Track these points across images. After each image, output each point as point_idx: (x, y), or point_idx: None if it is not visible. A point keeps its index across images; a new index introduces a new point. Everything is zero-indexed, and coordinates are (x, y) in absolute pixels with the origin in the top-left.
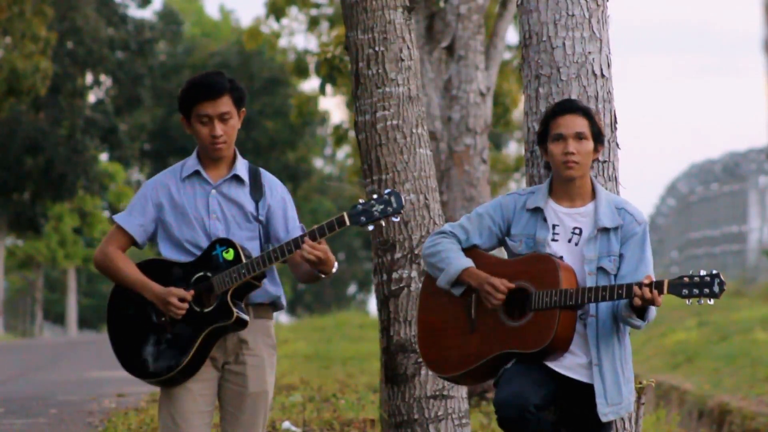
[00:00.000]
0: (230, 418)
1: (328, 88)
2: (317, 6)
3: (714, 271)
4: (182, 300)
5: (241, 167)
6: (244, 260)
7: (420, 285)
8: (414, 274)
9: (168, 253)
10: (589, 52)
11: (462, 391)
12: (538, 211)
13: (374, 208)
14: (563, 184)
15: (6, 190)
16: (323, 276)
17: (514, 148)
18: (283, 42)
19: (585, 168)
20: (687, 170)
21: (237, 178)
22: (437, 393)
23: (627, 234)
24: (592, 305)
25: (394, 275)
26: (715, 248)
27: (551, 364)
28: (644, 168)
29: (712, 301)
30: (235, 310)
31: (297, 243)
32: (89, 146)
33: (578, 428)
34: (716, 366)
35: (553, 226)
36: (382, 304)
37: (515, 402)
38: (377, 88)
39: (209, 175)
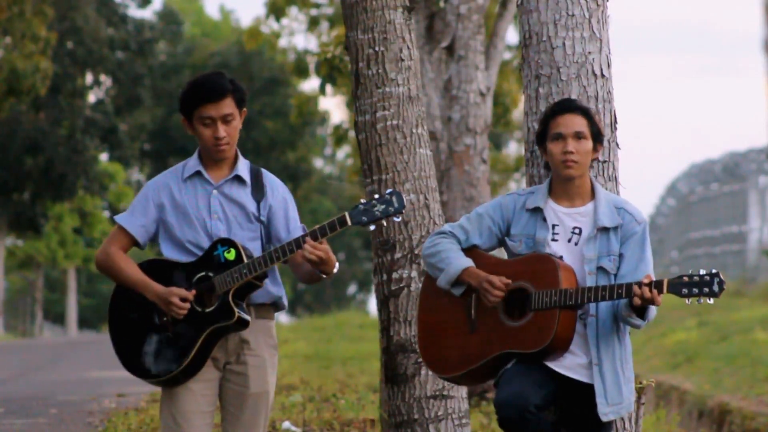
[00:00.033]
0: (231, 418)
1: (328, 88)
2: (317, 6)
3: (713, 270)
4: (184, 300)
5: (243, 167)
6: (245, 260)
7: (420, 285)
8: (414, 274)
9: (169, 253)
10: (589, 52)
11: (462, 391)
12: (537, 211)
13: (376, 208)
14: (563, 184)
15: (6, 190)
16: (324, 276)
17: (514, 148)
18: (283, 42)
19: (584, 167)
20: (687, 170)
21: (238, 179)
22: (437, 393)
23: (627, 233)
24: (592, 305)
25: (394, 275)
26: (715, 248)
27: (551, 364)
28: (644, 168)
29: (711, 301)
30: (236, 310)
31: (298, 243)
32: (89, 146)
33: (578, 428)
34: (716, 366)
35: (553, 226)
36: (382, 304)
37: (515, 402)
38: (377, 88)
39: (211, 175)
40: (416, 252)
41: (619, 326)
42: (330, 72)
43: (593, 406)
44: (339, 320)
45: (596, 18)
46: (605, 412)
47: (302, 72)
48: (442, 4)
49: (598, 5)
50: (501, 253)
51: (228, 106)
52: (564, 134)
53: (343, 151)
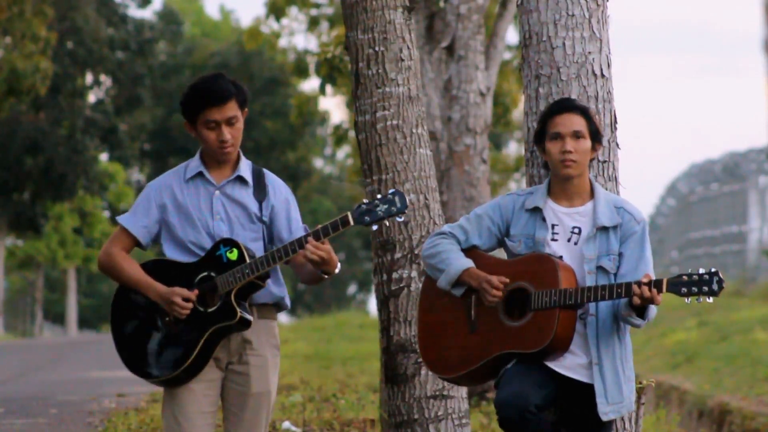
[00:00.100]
0: (233, 418)
1: (328, 88)
2: (317, 6)
3: (713, 269)
4: (186, 300)
5: (245, 168)
6: (248, 260)
7: (420, 285)
8: (414, 274)
9: (172, 254)
10: (589, 52)
11: (462, 391)
12: (537, 211)
13: (378, 208)
14: (562, 184)
15: (6, 190)
16: (326, 276)
17: (514, 148)
18: (283, 42)
19: (583, 167)
20: (687, 170)
21: (241, 179)
22: (437, 393)
23: (626, 233)
24: (592, 304)
25: (394, 275)
26: (715, 248)
27: (551, 365)
28: (644, 168)
29: (711, 299)
30: (238, 310)
31: (301, 243)
32: (89, 146)
33: (578, 428)
34: (716, 366)
35: (552, 226)
36: (382, 304)
37: (516, 402)
38: (377, 88)
39: (213, 176)
40: (416, 252)
41: (620, 325)
42: (330, 72)
43: (593, 406)
44: (339, 320)
45: (596, 18)
46: (605, 411)
47: (302, 72)
48: (442, 4)
49: (598, 5)
50: (501, 254)
51: (232, 108)
52: (562, 134)
53: (343, 151)
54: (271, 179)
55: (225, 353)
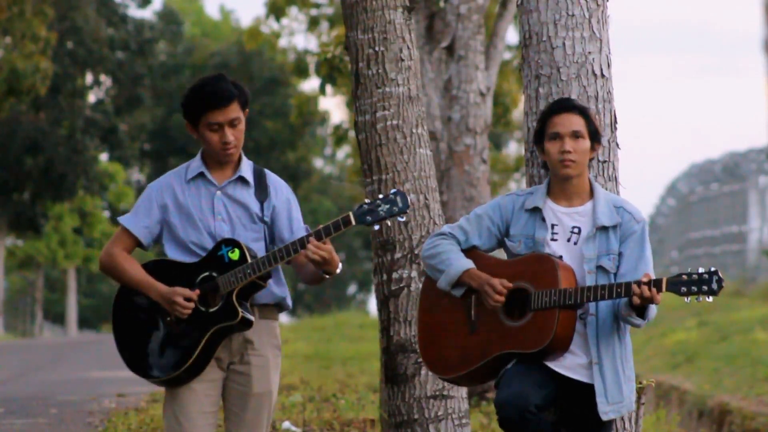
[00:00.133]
0: (234, 418)
1: (328, 88)
2: (317, 6)
3: (712, 269)
4: (188, 300)
5: (246, 168)
6: (249, 260)
7: (420, 285)
8: (414, 274)
9: (173, 254)
10: (589, 52)
11: (462, 391)
12: (536, 211)
13: (380, 208)
14: (561, 184)
15: (6, 190)
16: (327, 276)
17: (514, 148)
18: (283, 42)
19: (582, 167)
20: (687, 170)
21: (242, 180)
22: (437, 393)
23: (626, 232)
24: (592, 304)
25: (394, 275)
26: (715, 248)
27: (551, 365)
28: (644, 168)
29: (710, 298)
30: (240, 309)
31: (303, 243)
32: (89, 146)
33: (578, 428)
34: (716, 366)
35: (552, 226)
36: (382, 304)
37: (516, 402)
38: (377, 88)
39: (214, 176)
40: (416, 252)
41: (620, 325)
42: (330, 72)
43: (593, 406)
44: (339, 320)
45: (596, 18)
46: (605, 411)
47: (302, 72)
48: (442, 4)
49: (598, 5)
50: (501, 254)
51: (234, 110)
52: (561, 134)
53: (343, 151)
54: (273, 179)
55: (226, 353)
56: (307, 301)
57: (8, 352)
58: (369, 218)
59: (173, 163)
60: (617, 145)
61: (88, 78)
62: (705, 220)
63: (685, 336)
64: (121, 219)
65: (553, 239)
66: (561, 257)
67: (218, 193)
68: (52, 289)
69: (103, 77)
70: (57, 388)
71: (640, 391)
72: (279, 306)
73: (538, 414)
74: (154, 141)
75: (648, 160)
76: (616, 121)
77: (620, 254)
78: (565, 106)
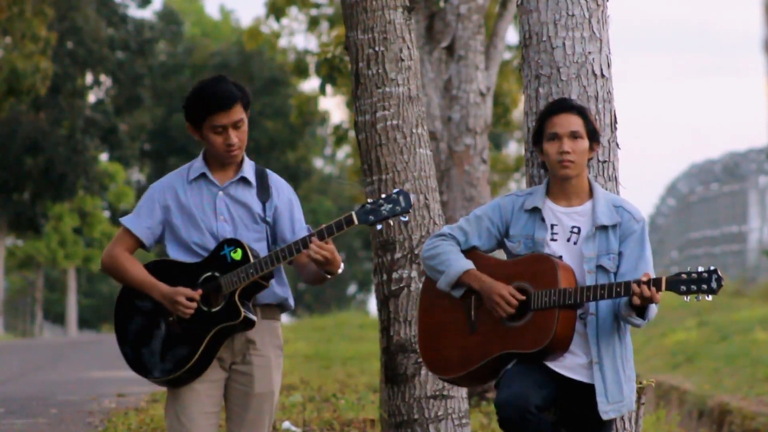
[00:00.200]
0: (236, 418)
1: (328, 88)
2: (317, 6)
3: (711, 267)
4: (190, 299)
5: (248, 169)
6: (251, 260)
7: (420, 285)
8: (414, 274)
9: (175, 254)
10: (589, 52)
11: (462, 391)
12: (536, 212)
13: (383, 208)
14: (560, 184)
15: (6, 190)
16: (329, 276)
17: (514, 148)
18: (283, 42)
19: (581, 167)
20: (687, 170)
21: (244, 180)
22: (437, 393)
23: (626, 232)
24: (592, 303)
25: (394, 275)
26: (715, 248)
27: (551, 365)
28: (644, 168)
29: (710, 297)
30: (242, 309)
31: (305, 242)
32: (89, 146)
33: (578, 428)
34: (716, 366)
35: (552, 226)
36: (382, 304)
37: (516, 403)
38: (377, 88)
39: (216, 177)
40: (416, 252)
41: (620, 325)
42: (330, 72)
43: (593, 406)
44: (339, 320)
45: (596, 18)
46: (606, 410)
47: (302, 72)
48: (442, 4)
49: (598, 5)
50: (501, 254)
51: (238, 112)
52: (560, 134)
53: (343, 151)
54: (275, 180)
55: (229, 353)
56: (307, 301)
57: (8, 352)
58: (371, 218)
59: (173, 163)
60: (617, 145)
61: (88, 78)
62: (705, 220)
63: (685, 336)
64: (123, 220)
65: (552, 239)
66: (561, 257)
67: (220, 193)
68: (52, 289)
69: (103, 77)
70: (57, 388)
71: (640, 391)
72: (281, 306)
73: (539, 414)
74: (154, 141)
75: (648, 160)
76: (616, 121)
77: (620, 254)
78: (563, 106)
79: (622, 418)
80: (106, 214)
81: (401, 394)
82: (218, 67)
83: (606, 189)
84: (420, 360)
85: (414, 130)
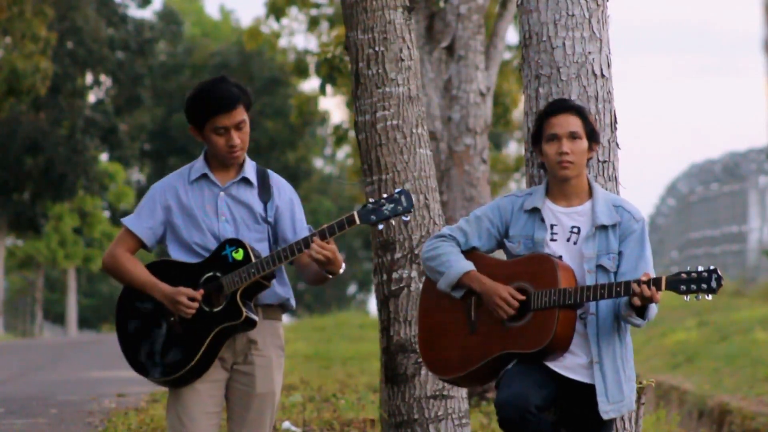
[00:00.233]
0: (237, 419)
1: (328, 88)
2: (317, 6)
3: (711, 267)
4: (192, 299)
5: (250, 169)
6: (253, 260)
7: (420, 285)
8: (414, 274)
9: (177, 255)
10: (589, 52)
11: (462, 391)
12: (535, 212)
13: (384, 207)
14: (559, 184)
15: (6, 190)
16: (331, 276)
17: (514, 148)
18: (283, 42)
19: (580, 167)
20: (687, 170)
21: (245, 180)
22: (437, 393)
23: (626, 231)
24: (592, 303)
25: (394, 275)
26: (715, 248)
27: (551, 365)
28: (644, 168)
29: (710, 297)
30: (244, 309)
31: (307, 242)
32: (89, 146)
33: (579, 428)
34: (716, 366)
35: (551, 226)
36: (382, 304)
37: (516, 403)
38: (377, 88)
39: (217, 177)
40: (416, 252)
41: (620, 325)
42: (330, 72)
43: (594, 405)
44: (339, 320)
45: (596, 18)
46: (606, 410)
47: (302, 72)
48: (442, 4)
49: (598, 5)
50: (500, 255)
51: (240, 113)
52: (559, 135)
53: (343, 151)
54: (276, 180)
55: (230, 353)
56: (307, 301)
57: (8, 352)
58: (373, 218)
59: (173, 163)
60: (617, 145)
61: (88, 78)
62: (705, 220)
63: (685, 336)
64: (124, 220)
65: (552, 239)
66: (561, 257)
67: (222, 194)
68: (52, 289)
69: (103, 77)
70: (57, 388)
71: (640, 391)
72: (283, 306)
73: (539, 414)
74: (154, 141)
75: (648, 160)
76: (616, 121)
77: (620, 253)
78: (561, 106)
79: (622, 418)
80: (106, 214)
81: (401, 394)
82: (218, 67)
83: (606, 189)
84: (420, 360)
85: (414, 130)
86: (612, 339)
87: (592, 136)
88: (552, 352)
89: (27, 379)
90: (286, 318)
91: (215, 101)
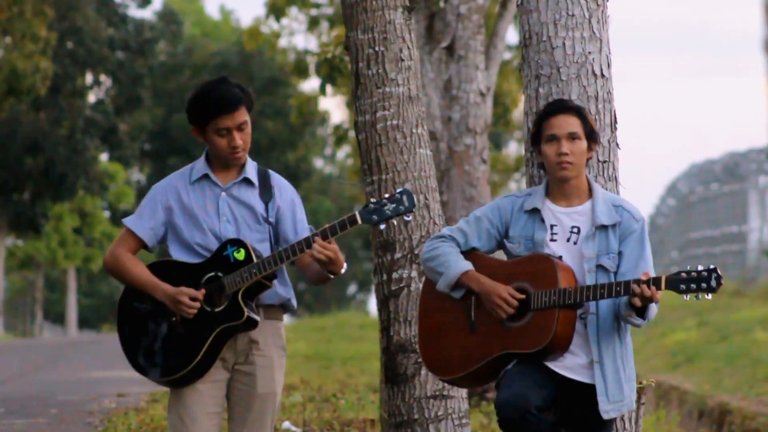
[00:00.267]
0: (238, 418)
1: (328, 88)
2: (317, 6)
3: (711, 266)
4: (193, 299)
5: (251, 170)
6: (255, 260)
7: (420, 285)
8: (414, 274)
9: (178, 255)
10: (589, 52)
11: (462, 391)
12: (535, 212)
13: (386, 207)
14: (559, 185)
15: (6, 190)
16: (332, 276)
17: (514, 148)
18: (283, 42)
19: (580, 168)
20: (687, 170)
21: (247, 181)
22: (437, 393)
23: (625, 231)
24: (593, 303)
25: (394, 275)
26: (715, 248)
27: (551, 365)
28: (644, 168)
29: (709, 296)
30: (245, 309)
31: (308, 242)
32: (89, 146)
33: (579, 428)
34: (716, 366)
35: (551, 227)
36: (382, 304)
37: (516, 403)
38: (377, 88)
39: (219, 178)
40: (416, 252)
41: (620, 324)
42: (330, 72)
43: (594, 406)
44: (339, 320)
45: (596, 18)
46: (606, 409)
47: (302, 72)
48: (442, 4)
49: (598, 5)
50: (500, 255)
51: (242, 114)
52: (558, 135)
53: (343, 151)
54: (277, 180)
55: (232, 353)
56: (307, 301)
57: (8, 352)
58: (375, 217)
59: (173, 164)
60: (617, 145)
61: (88, 78)
62: (705, 220)
63: (685, 336)
64: (126, 221)
65: (552, 240)
66: (561, 257)
67: (223, 194)
68: (52, 289)
69: (103, 77)
70: (57, 388)
71: (640, 391)
72: (284, 307)
73: (539, 415)
74: (154, 141)
75: (648, 160)
76: (616, 121)
77: (620, 253)
78: (560, 107)
79: (622, 418)
80: (106, 214)
81: (401, 394)
82: (218, 67)
83: (606, 189)
84: (420, 360)
85: (414, 130)
86: (612, 339)
87: (592, 137)
88: (552, 352)
89: (27, 379)
90: (286, 318)
91: (217, 102)
